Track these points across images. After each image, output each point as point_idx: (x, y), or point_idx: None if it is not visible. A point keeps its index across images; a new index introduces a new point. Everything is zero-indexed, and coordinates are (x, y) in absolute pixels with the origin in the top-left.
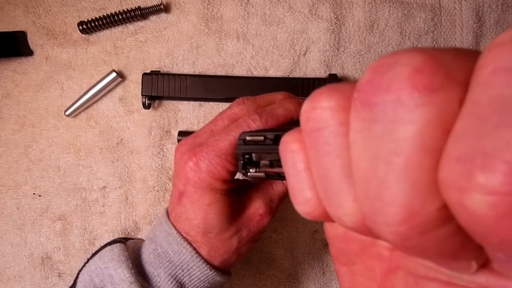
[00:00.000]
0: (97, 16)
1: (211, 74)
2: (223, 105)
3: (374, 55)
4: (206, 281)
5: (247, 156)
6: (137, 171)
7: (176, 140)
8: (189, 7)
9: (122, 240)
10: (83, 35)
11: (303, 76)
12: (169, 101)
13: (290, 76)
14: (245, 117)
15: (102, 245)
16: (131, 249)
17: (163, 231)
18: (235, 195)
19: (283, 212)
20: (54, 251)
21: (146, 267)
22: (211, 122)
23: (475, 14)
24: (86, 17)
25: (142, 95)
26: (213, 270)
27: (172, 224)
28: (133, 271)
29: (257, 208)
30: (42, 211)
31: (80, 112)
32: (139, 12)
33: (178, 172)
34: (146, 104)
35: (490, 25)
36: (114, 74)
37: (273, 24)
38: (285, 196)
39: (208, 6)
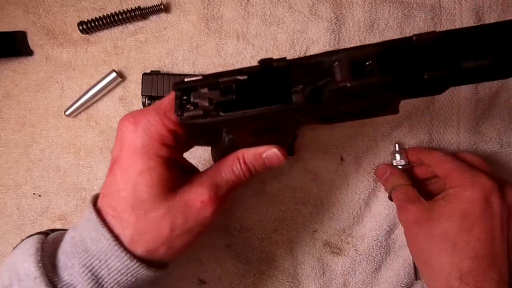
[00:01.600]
0: (97, 16)
1: None
2: None
3: None
4: (129, 275)
5: (184, 98)
6: None
7: None
8: (189, 7)
9: (47, 232)
10: (83, 35)
11: None
12: None
13: None
14: None
15: None
16: (51, 239)
17: (84, 216)
18: (175, 169)
19: (283, 212)
20: None
21: (61, 257)
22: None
23: (475, 14)
24: (86, 17)
25: (142, 95)
26: (134, 261)
27: (95, 208)
28: (40, 264)
29: (199, 193)
30: (42, 211)
31: (80, 112)
32: (139, 12)
33: (116, 140)
34: (146, 104)
35: None
36: (114, 74)
37: (273, 24)
38: (235, 186)
39: (208, 6)
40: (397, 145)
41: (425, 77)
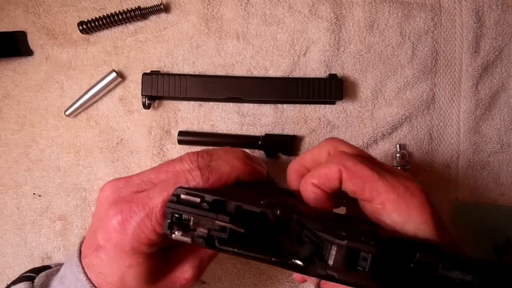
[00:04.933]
0: (97, 16)
1: (211, 74)
2: (223, 105)
3: (374, 55)
4: None
5: (176, 216)
6: (137, 171)
7: (176, 140)
8: (189, 7)
9: (32, 275)
10: (83, 35)
11: (303, 76)
12: (169, 101)
13: (290, 76)
14: (185, 172)
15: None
16: (38, 286)
17: (72, 273)
18: (160, 256)
19: None
20: (54, 251)
21: None
22: (154, 170)
23: (475, 14)
24: (86, 17)
25: (142, 95)
26: None
27: (83, 268)
28: None
29: (183, 272)
30: (42, 211)
31: (80, 112)
32: (139, 12)
33: (100, 219)
34: (146, 104)
35: (490, 25)
36: (114, 74)
37: (273, 24)
38: (215, 256)
39: (208, 6)
40: (398, 146)
41: None
